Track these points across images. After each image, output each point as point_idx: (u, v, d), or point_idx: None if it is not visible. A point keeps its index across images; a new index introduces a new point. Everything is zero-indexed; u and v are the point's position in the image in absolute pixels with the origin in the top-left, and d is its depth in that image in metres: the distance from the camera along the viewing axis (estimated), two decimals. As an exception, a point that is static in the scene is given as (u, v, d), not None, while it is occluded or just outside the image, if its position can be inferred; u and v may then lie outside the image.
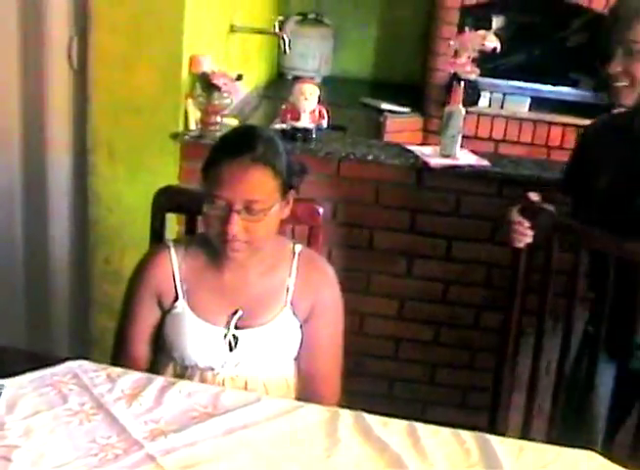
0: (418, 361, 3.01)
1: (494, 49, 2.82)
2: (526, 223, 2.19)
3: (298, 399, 2.03)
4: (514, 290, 2.29)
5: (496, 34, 2.87)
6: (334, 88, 4.71)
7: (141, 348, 2.06)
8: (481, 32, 2.84)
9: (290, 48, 3.70)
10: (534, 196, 2.23)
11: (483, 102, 4.29)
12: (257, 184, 1.86)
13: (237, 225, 1.85)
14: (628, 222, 2.10)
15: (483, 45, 2.80)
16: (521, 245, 2.22)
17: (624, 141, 2.12)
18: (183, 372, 2.04)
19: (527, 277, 2.26)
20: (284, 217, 1.98)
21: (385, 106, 4.16)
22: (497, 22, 4.31)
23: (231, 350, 2.00)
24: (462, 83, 2.82)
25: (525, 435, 2.28)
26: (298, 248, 2.07)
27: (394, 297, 2.97)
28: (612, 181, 2.16)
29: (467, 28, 2.91)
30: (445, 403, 2.84)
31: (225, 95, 2.94)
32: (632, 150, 2.09)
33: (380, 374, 3.09)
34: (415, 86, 4.58)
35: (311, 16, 4.84)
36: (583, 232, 2.20)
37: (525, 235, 2.20)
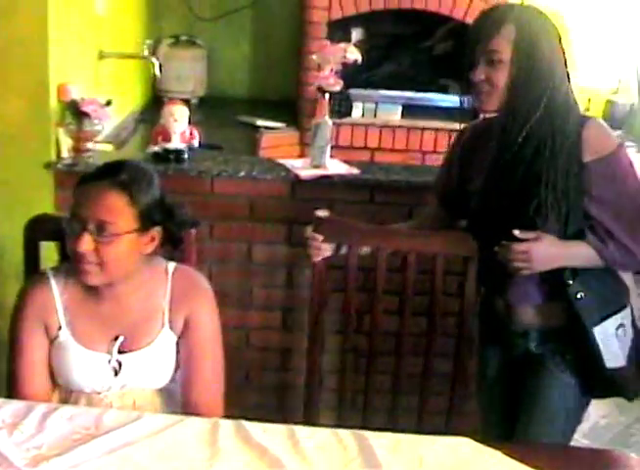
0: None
1: (355, 61, 2.90)
2: (320, 237, 2.33)
3: (187, 406, 2.08)
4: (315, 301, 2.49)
5: (356, 46, 2.95)
6: (210, 108, 4.75)
7: (37, 383, 2.06)
8: (342, 45, 2.91)
9: (161, 71, 3.73)
10: (321, 212, 2.37)
11: (357, 112, 4.39)
12: (111, 206, 1.91)
13: (86, 244, 1.89)
14: (499, 222, 2.22)
15: (345, 57, 2.88)
16: (318, 259, 2.37)
17: (496, 143, 2.24)
18: (69, 397, 2.07)
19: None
20: (147, 253, 2.03)
21: (260, 122, 4.22)
22: (357, 34, 4.42)
23: (116, 374, 2.03)
24: (327, 96, 2.89)
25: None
26: (172, 266, 2.11)
27: (277, 308, 3.02)
28: (484, 183, 2.28)
29: (327, 42, 2.98)
30: (336, 408, 2.88)
31: (96, 122, 2.94)
32: (503, 151, 2.21)
33: (270, 385, 3.14)
34: (290, 101, 4.65)
35: (184, 38, 4.87)
36: (379, 234, 2.46)
37: (319, 249, 2.35)
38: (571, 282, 2.18)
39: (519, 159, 2.17)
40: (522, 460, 1.81)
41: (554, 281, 2.20)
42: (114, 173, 1.94)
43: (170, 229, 2.04)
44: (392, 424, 2.46)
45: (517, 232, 2.13)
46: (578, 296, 2.18)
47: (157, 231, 2.01)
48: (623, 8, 5.10)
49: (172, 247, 2.10)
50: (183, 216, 2.08)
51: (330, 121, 2.91)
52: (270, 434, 1.85)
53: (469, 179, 2.35)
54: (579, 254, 2.17)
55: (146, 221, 1.96)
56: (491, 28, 2.14)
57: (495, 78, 2.14)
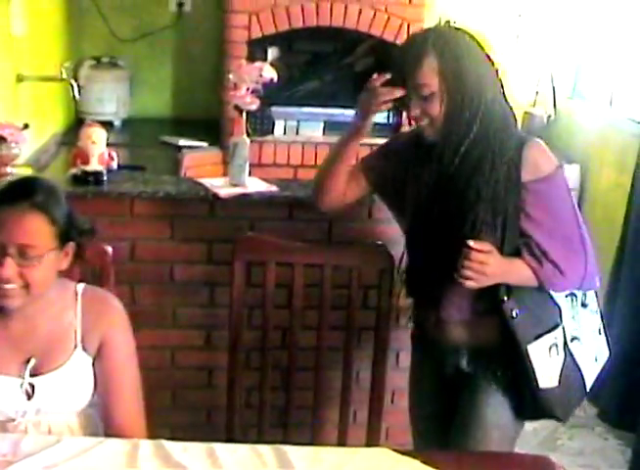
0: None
1: (272, 79, 2.93)
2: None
3: (107, 428, 2.07)
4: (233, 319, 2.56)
5: (273, 65, 2.98)
6: (134, 129, 4.74)
7: None
8: (258, 64, 2.94)
9: (80, 93, 3.71)
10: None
11: (279, 130, 4.40)
12: (32, 230, 1.90)
13: (10, 269, 1.88)
14: (437, 237, 2.25)
15: (261, 76, 2.90)
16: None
17: (434, 162, 2.24)
18: None
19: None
20: (63, 268, 2.02)
21: (183, 142, 4.20)
22: (273, 52, 4.44)
23: (29, 398, 2.01)
24: (244, 114, 2.92)
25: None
26: (81, 287, 2.10)
27: (201, 327, 3.02)
28: (421, 198, 2.30)
29: (243, 61, 3.00)
30: (264, 425, 2.91)
31: (13, 145, 2.92)
32: (441, 170, 2.23)
33: (197, 404, 3.13)
34: (214, 121, 4.65)
35: (105, 59, 4.85)
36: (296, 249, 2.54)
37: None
38: (506, 299, 2.19)
39: (457, 176, 2.19)
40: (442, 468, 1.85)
41: (488, 297, 2.21)
42: (28, 194, 1.92)
43: (76, 240, 2.03)
44: (315, 439, 2.49)
45: (471, 243, 2.11)
46: (513, 313, 2.18)
47: (70, 246, 2.01)
48: (540, 21, 5.24)
49: (77, 257, 2.07)
50: (84, 226, 2.07)
51: (247, 140, 2.93)
52: (190, 453, 1.86)
53: (403, 182, 2.37)
54: (519, 272, 2.18)
55: (63, 238, 1.96)
56: (413, 63, 2.16)
57: (430, 110, 2.18)
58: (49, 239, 1.93)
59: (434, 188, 2.25)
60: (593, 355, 2.35)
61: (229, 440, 2.10)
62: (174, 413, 3.10)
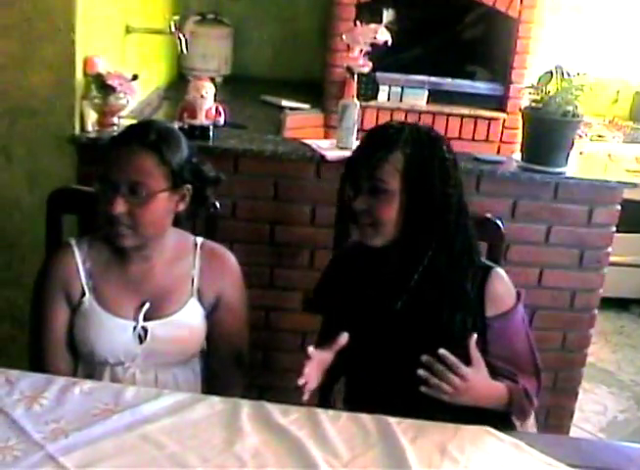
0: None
1: (386, 42, 2.87)
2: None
3: (209, 385, 2.13)
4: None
5: (387, 28, 2.91)
6: (235, 87, 4.73)
7: (60, 358, 2.06)
8: (373, 26, 2.88)
9: (187, 48, 3.69)
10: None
11: (382, 96, 4.35)
12: (142, 167, 1.93)
13: (120, 206, 1.91)
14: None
15: (375, 39, 2.84)
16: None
17: (387, 285, 2.02)
18: (93, 370, 2.06)
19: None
20: (178, 210, 2.04)
21: (285, 103, 4.18)
22: (388, 15, 4.37)
23: (141, 342, 2.03)
24: (355, 77, 2.86)
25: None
26: (200, 240, 2.13)
27: (298, 289, 2.99)
28: (369, 335, 2.03)
29: (358, 23, 2.94)
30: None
31: (121, 96, 2.92)
32: (394, 297, 2.00)
33: (289, 368, 3.10)
34: (315, 83, 4.62)
35: (210, 16, 4.84)
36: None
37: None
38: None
39: (415, 310, 1.98)
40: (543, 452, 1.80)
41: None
42: (141, 135, 1.95)
43: (198, 187, 2.05)
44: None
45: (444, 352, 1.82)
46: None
47: (187, 189, 2.02)
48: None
49: (199, 205, 2.10)
50: (208, 173, 2.09)
51: (357, 103, 2.88)
52: (291, 416, 1.83)
53: (345, 299, 2.09)
54: (500, 395, 1.96)
55: (177, 180, 1.98)
56: (378, 155, 1.91)
57: (378, 210, 1.92)
58: (160, 178, 1.94)
59: (386, 325, 2.00)
60: None
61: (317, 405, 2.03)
62: (265, 375, 3.08)
